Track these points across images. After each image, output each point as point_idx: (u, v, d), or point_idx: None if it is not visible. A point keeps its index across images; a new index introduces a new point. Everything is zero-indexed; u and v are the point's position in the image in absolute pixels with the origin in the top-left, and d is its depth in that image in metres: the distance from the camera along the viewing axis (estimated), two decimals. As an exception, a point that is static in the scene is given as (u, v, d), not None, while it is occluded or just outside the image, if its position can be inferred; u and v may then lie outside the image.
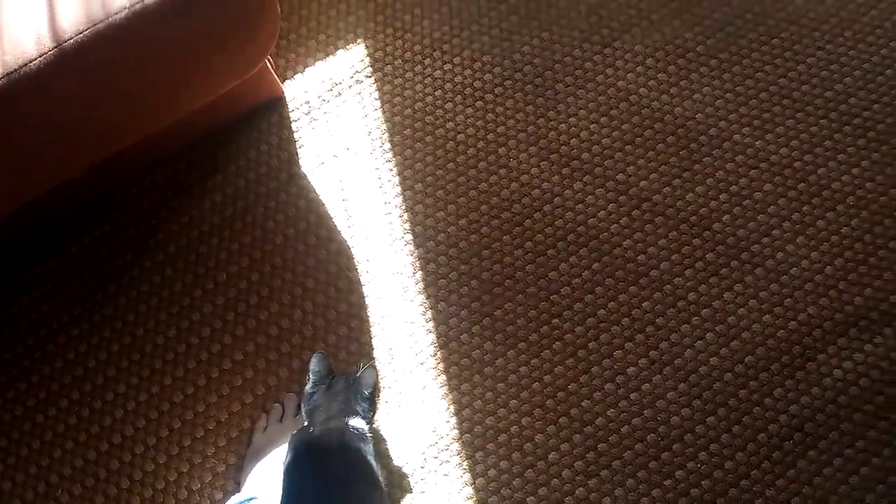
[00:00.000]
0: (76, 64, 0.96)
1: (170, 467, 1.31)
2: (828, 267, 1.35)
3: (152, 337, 1.39)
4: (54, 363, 1.39)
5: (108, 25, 0.94)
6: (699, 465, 1.25)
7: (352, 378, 1.16)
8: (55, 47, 0.93)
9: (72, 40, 0.94)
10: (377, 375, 1.22)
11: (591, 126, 1.49)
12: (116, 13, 0.94)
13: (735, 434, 1.26)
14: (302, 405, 1.16)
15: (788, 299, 1.34)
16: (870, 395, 1.26)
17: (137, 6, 0.95)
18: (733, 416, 1.27)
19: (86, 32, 0.94)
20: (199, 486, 1.30)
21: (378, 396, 1.26)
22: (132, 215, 1.48)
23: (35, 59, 0.93)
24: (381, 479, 1.08)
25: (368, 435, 1.11)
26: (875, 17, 1.52)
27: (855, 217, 1.38)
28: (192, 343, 1.38)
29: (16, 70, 0.93)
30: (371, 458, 1.08)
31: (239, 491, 1.25)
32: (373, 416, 1.16)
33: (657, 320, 1.35)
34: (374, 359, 1.35)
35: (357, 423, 1.10)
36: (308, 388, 1.16)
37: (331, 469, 1.06)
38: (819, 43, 1.51)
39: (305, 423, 1.12)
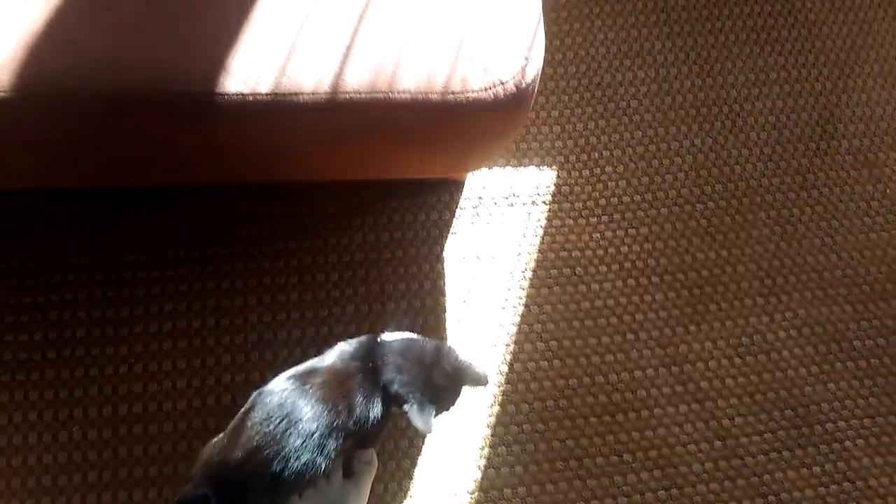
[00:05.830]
0: (338, 118, 0.94)
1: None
2: None
3: (229, 333, 1.38)
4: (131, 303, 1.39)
5: (386, 98, 0.93)
6: None
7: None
8: (329, 94, 0.92)
9: (347, 96, 0.93)
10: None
11: (724, 361, 1.46)
12: (400, 92, 0.93)
13: None
14: None
15: None
16: None
17: (420, 96, 0.94)
18: None
19: (363, 94, 0.93)
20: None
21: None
22: (288, 216, 1.47)
23: (305, 94, 0.93)
24: None
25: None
26: None
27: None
28: (266, 359, 1.37)
29: (283, 95, 0.93)
30: None
31: None
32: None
33: (692, 578, 1.30)
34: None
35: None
36: None
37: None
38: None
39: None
